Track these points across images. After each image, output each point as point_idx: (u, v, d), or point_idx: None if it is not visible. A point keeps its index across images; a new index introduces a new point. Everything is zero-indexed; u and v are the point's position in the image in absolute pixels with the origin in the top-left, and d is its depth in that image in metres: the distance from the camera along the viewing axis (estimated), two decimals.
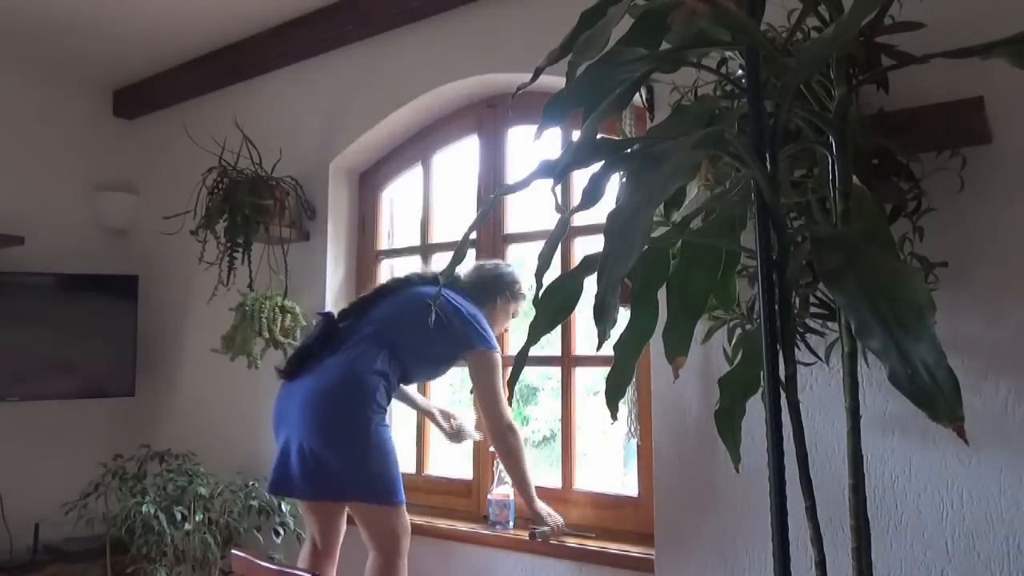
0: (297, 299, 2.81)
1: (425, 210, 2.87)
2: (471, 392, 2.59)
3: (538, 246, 1.14)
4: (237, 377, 2.88)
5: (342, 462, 2.08)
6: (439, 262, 2.82)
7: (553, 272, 1.18)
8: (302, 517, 2.35)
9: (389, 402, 2.23)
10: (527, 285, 2.44)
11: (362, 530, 2.16)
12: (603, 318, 0.93)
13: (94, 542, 2.95)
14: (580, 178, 1.84)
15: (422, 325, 2.10)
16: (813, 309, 1.56)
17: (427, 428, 2.76)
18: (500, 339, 2.43)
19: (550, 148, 2.39)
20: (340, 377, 2.14)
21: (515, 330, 2.64)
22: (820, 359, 1.65)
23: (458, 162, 2.86)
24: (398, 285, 2.36)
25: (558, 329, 2.19)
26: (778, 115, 1.05)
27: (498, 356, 2.28)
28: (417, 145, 2.91)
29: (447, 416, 2.55)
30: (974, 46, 1.04)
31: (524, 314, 2.49)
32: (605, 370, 1.32)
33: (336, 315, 2.32)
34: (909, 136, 1.53)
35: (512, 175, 2.65)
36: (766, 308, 1.03)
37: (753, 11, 1.08)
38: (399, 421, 2.75)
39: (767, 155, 1.06)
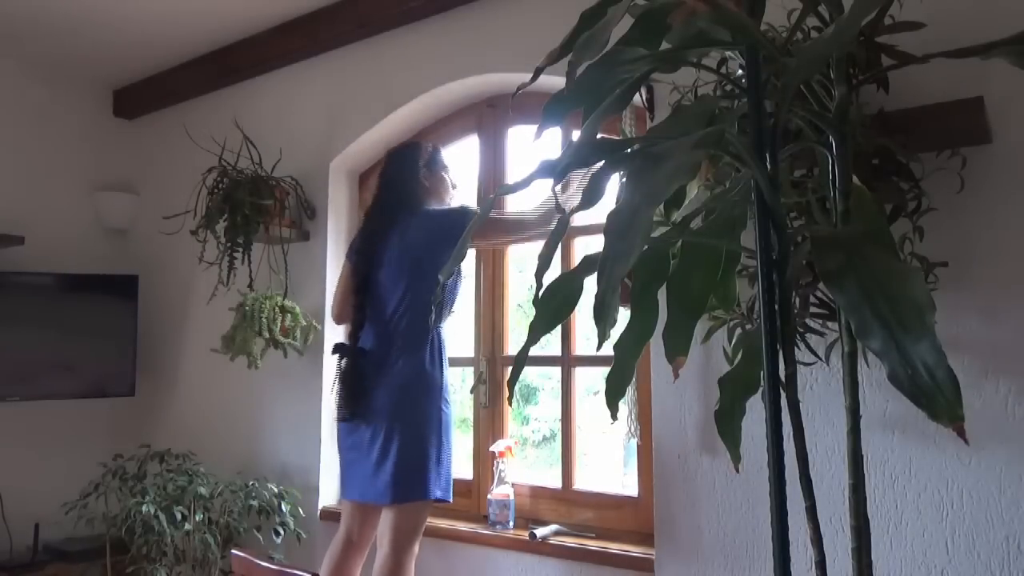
0: (297, 299, 2.81)
1: None
2: (471, 391, 2.60)
3: (538, 246, 1.14)
4: (237, 377, 2.88)
5: (421, 458, 2.13)
6: None
7: (553, 272, 1.17)
8: (343, 508, 2.34)
9: (446, 359, 2.27)
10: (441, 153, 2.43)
11: (395, 526, 2.15)
12: (603, 318, 0.93)
13: (94, 542, 2.95)
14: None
15: (426, 273, 2.15)
16: (813, 309, 1.56)
17: None
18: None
19: (550, 148, 2.39)
20: (408, 381, 2.17)
21: (515, 330, 2.64)
22: (820, 359, 1.65)
23: (458, 162, 2.86)
24: (369, 249, 2.29)
25: (558, 329, 2.19)
26: (778, 115, 1.05)
27: (474, 210, 2.26)
28: None
29: None
30: (974, 46, 1.04)
31: (523, 311, 2.49)
32: (605, 370, 1.32)
33: (352, 327, 2.30)
34: (909, 136, 1.53)
35: (512, 175, 2.65)
36: (766, 308, 1.03)
37: (753, 11, 1.08)
38: None
39: (767, 155, 1.06)
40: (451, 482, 2.20)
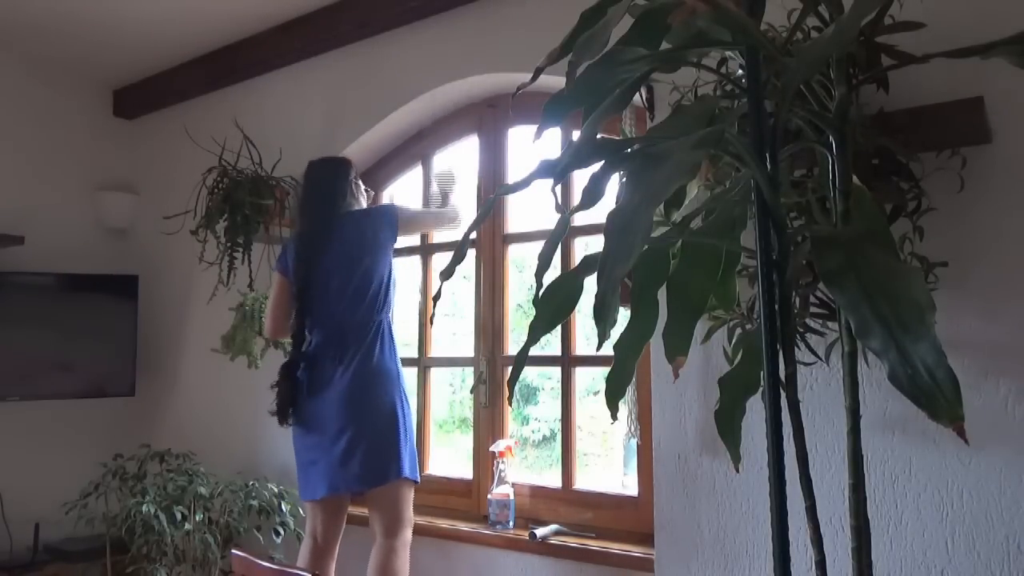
0: None
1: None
2: (471, 391, 2.60)
3: (538, 246, 1.14)
4: (237, 377, 2.88)
5: (390, 441, 2.22)
6: (439, 262, 2.82)
7: (553, 272, 1.17)
8: (308, 513, 2.36)
9: (396, 348, 2.38)
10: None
11: (382, 513, 2.22)
12: (603, 318, 0.93)
13: (94, 542, 2.95)
14: (580, 178, 1.84)
15: (357, 265, 2.30)
16: (813, 309, 1.56)
17: (427, 428, 2.76)
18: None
19: (550, 148, 2.40)
20: (366, 373, 2.26)
21: (515, 330, 2.64)
22: (820, 359, 1.65)
23: (458, 162, 2.86)
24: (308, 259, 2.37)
25: (558, 329, 2.20)
26: (778, 115, 1.05)
27: (399, 204, 2.62)
28: (417, 145, 2.91)
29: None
30: (974, 46, 1.04)
31: (523, 311, 2.51)
32: (605, 370, 1.32)
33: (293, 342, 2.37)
34: (909, 136, 1.53)
35: (512, 175, 2.65)
36: (766, 308, 1.03)
37: (753, 11, 1.08)
38: None
39: (767, 155, 1.06)
40: (416, 463, 2.31)
